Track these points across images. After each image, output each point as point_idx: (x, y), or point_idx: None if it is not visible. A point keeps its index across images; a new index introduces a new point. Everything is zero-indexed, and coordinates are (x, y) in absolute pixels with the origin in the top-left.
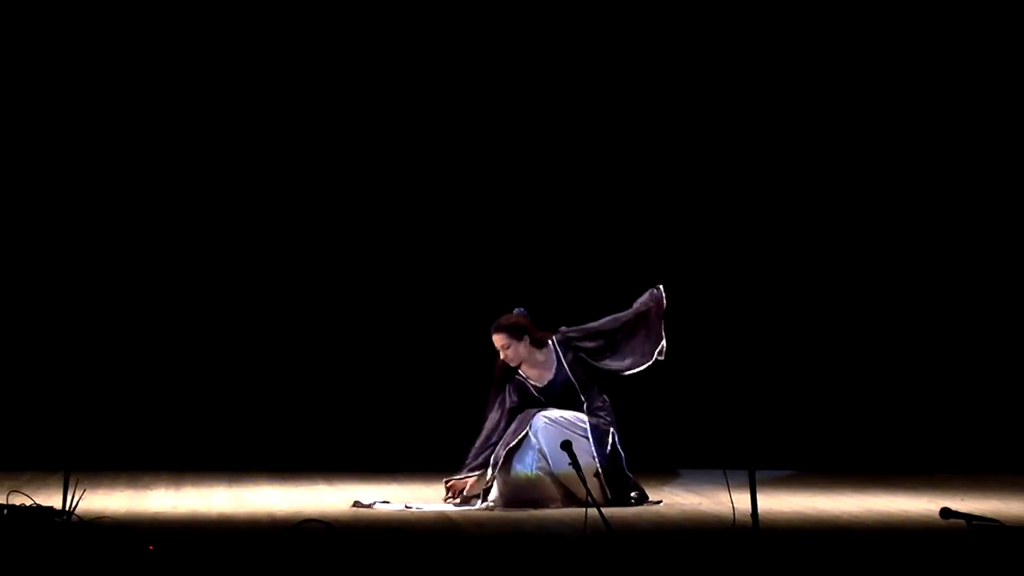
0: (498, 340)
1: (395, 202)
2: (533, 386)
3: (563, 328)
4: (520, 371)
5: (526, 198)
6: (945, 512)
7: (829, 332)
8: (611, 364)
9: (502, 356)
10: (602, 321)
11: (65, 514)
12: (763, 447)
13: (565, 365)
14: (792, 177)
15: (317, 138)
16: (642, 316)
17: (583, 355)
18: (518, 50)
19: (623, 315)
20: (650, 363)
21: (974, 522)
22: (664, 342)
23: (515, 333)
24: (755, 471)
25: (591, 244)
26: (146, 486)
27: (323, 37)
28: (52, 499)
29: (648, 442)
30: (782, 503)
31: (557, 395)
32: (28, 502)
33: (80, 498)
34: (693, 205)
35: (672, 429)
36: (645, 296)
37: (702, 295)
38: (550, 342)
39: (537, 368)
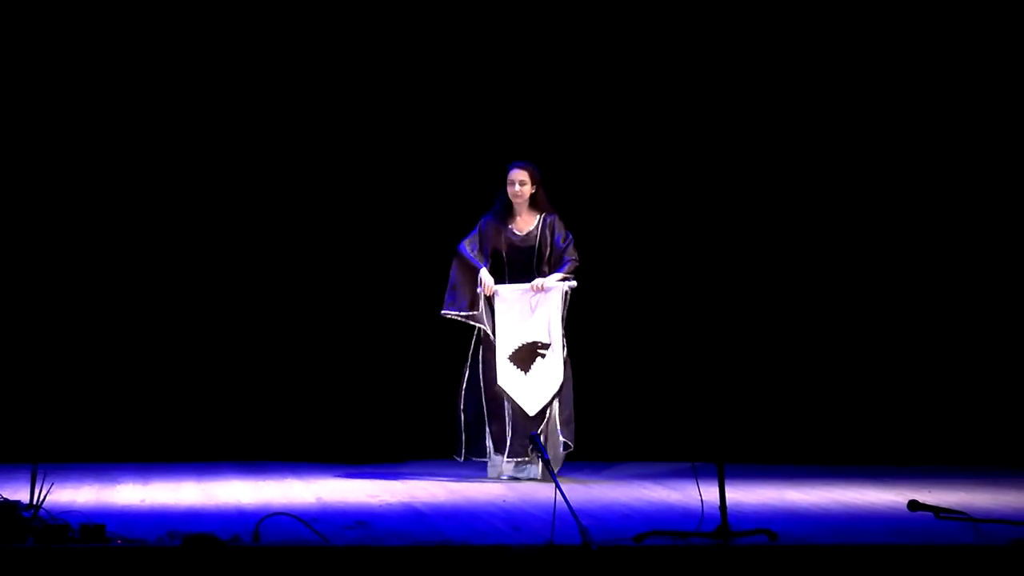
0: (520, 175)
1: (381, 195)
2: (515, 235)
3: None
4: (510, 220)
5: (488, 189)
6: (913, 504)
7: (799, 323)
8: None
9: (516, 189)
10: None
11: (32, 508)
12: (732, 439)
13: (543, 229)
14: (767, 165)
15: (303, 136)
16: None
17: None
18: (520, 42)
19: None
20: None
21: (942, 514)
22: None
23: (534, 177)
24: (724, 464)
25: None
26: (114, 480)
27: (311, 28)
28: (19, 493)
29: (617, 431)
30: (750, 495)
31: (524, 251)
32: None
33: (48, 492)
34: (668, 196)
35: (640, 420)
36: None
37: (671, 284)
38: (542, 213)
39: (525, 220)
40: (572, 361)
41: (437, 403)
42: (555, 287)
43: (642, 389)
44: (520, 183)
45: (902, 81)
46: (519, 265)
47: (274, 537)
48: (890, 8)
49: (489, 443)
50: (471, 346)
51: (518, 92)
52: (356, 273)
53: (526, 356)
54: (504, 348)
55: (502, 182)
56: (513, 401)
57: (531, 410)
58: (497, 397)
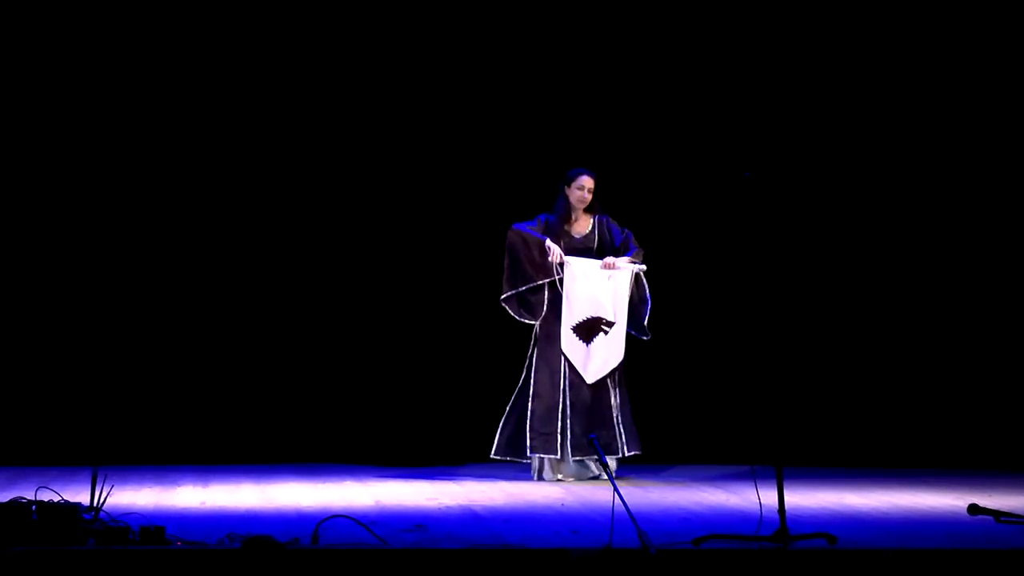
0: (591, 181)
1: (418, 188)
2: (574, 237)
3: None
4: (568, 223)
5: (543, 189)
6: (973, 508)
7: (858, 327)
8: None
9: (585, 195)
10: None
11: (93, 510)
12: (791, 442)
13: (600, 231)
14: (812, 175)
15: (321, 126)
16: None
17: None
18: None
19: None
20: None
21: (1003, 518)
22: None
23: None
24: (782, 467)
25: None
26: (174, 482)
27: (316, 28)
28: (80, 495)
29: (674, 434)
30: (809, 499)
31: (582, 253)
32: (56, 498)
33: (108, 494)
34: (719, 198)
35: (698, 422)
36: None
37: (728, 286)
38: (595, 216)
39: (582, 223)
40: (629, 363)
41: (495, 405)
42: (625, 268)
43: (700, 391)
44: (589, 190)
45: (911, 99)
46: None
47: (333, 539)
48: (907, 14)
49: (528, 442)
50: (529, 348)
51: (541, 95)
52: (412, 275)
53: (589, 329)
54: (569, 318)
55: (549, 184)
56: (570, 395)
57: (589, 378)
58: (551, 398)
